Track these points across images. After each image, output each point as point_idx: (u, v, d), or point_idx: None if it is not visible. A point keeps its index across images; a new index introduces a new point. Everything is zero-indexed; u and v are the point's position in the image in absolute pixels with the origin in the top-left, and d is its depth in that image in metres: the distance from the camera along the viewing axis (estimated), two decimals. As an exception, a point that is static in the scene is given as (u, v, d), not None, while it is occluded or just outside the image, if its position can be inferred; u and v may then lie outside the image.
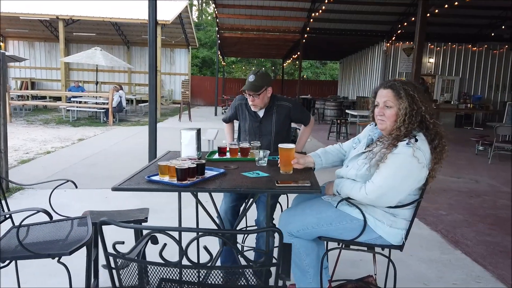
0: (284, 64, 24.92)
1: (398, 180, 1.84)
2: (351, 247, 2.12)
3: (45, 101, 15.27)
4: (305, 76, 32.60)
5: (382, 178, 1.85)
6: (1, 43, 19.74)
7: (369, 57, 17.60)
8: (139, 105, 16.17)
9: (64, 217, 2.24)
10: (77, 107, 12.77)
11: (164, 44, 18.85)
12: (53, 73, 20.86)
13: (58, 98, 16.11)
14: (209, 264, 1.04)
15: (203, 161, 1.92)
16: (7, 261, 1.83)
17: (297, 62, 20.05)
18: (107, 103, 12.04)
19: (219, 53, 17.85)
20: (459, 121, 13.98)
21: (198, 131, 2.25)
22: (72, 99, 13.69)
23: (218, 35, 16.13)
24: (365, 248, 2.07)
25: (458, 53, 16.15)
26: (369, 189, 1.87)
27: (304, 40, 15.65)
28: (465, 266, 3.14)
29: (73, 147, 8.26)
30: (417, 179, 1.88)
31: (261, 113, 2.80)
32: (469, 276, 2.97)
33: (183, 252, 1.05)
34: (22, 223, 2.18)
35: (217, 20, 14.92)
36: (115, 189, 1.71)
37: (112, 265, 1.12)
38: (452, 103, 15.42)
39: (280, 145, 2.09)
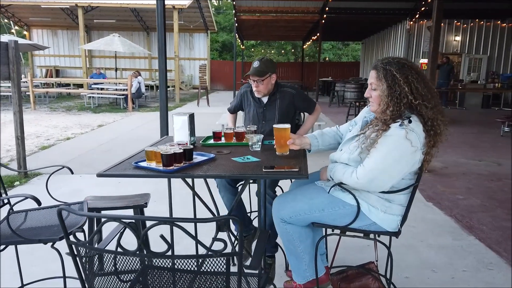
0: (304, 46, 24.46)
1: (389, 163, 1.75)
2: (347, 233, 2.06)
3: (68, 88, 15.62)
4: (326, 58, 31.99)
5: (373, 161, 1.77)
6: (26, 32, 20.22)
7: (391, 37, 17.03)
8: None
9: (62, 203, 2.26)
10: (98, 93, 13.00)
11: (182, 29, 18.82)
12: (76, 60, 21.25)
13: (82, 85, 16.47)
14: (168, 253, 1.01)
15: (191, 147, 1.89)
16: (3, 246, 1.86)
17: (317, 43, 19.64)
18: (127, 89, 12.19)
19: (237, 36, 17.69)
20: (486, 102, 13.39)
21: (191, 116, 2.22)
22: (93, 86, 13.94)
23: (235, 18, 15.95)
24: (361, 235, 2.00)
25: (486, 30, 15.39)
26: (360, 173, 1.79)
27: (323, 21, 15.25)
28: (477, 252, 3.02)
29: (92, 133, 8.43)
30: (410, 162, 1.78)
31: (265, 100, 2.82)
32: (480, 262, 2.86)
33: (140, 241, 1.03)
34: (21, 210, 2.25)
35: (234, 2, 14.72)
36: (100, 175, 1.70)
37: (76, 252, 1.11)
38: (479, 82, 14.78)
39: (275, 126, 2.05)
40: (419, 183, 1.90)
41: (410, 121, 1.76)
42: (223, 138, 2.37)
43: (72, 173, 2.32)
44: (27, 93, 12.34)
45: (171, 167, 1.76)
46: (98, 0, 14.76)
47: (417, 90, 1.78)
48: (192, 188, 2.07)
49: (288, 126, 2.06)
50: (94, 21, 19.69)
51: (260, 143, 2.18)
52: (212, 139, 2.40)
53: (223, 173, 1.74)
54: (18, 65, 4.84)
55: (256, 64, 2.66)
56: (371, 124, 1.90)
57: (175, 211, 3.33)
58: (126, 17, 19.61)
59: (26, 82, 12.07)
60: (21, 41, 13.93)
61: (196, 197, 2.11)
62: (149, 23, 20.67)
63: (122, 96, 12.57)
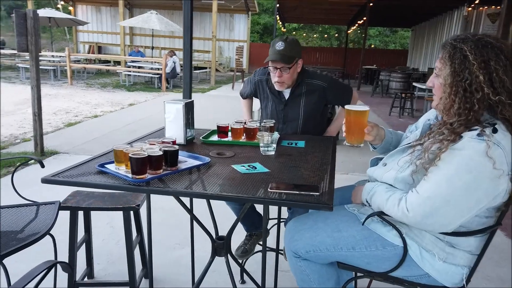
0: (349, 31, 23.18)
1: (458, 191, 1.17)
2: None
3: (107, 65, 15.62)
4: (372, 45, 30.40)
5: (432, 186, 1.19)
6: (71, 8, 20.47)
7: (446, 24, 15.59)
8: (194, 71, 15.96)
9: (30, 202, 1.86)
10: (133, 72, 12.83)
11: (222, 9, 18.26)
12: (117, 37, 21.35)
13: (120, 63, 16.43)
14: None
15: (176, 147, 1.39)
16: None
17: (363, 28, 18.47)
18: (161, 69, 11.91)
19: (278, 18, 16.90)
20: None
21: (188, 104, 1.71)
22: (130, 63, 13.80)
23: (277, -1, 15.17)
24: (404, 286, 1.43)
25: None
26: (412, 203, 1.22)
27: (371, 4, 14.15)
28: None
29: (121, 112, 8.19)
30: (490, 192, 1.19)
31: (286, 94, 2.22)
32: None
33: None
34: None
35: (277, -18, 13.95)
36: (45, 180, 1.25)
37: None
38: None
39: (348, 107, 1.51)
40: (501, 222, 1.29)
41: (494, 130, 1.16)
42: (229, 135, 1.85)
43: (43, 166, 1.89)
44: (65, 68, 12.37)
45: (141, 176, 1.27)
46: (139, -24, 14.47)
47: (501, 83, 1.18)
48: (188, 209, 1.56)
49: (367, 108, 1.52)
50: (136, -1, 19.56)
51: (274, 145, 1.65)
52: (216, 135, 1.88)
53: (210, 191, 1.22)
54: (36, 36, 4.52)
55: (279, 45, 2.04)
56: (433, 131, 1.31)
57: (164, 229, 2.87)
58: (168, -5, 19.30)
59: (65, 57, 12.08)
60: (61, 15, 14.01)
61: (189, 213, 1.61)
62: (190, 2, 20.22)
63: (157, 76, 12.32)
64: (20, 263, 2.24)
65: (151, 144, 1.41)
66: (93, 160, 1.47)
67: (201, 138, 1.83)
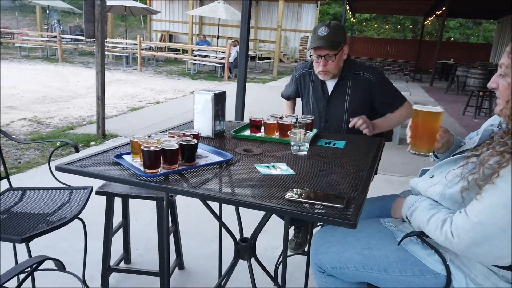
0: (426, 22, 21.62)
1: None
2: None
3: (175, 53, 16.16)
4: (452, 39, 28.14)
5: (486, 210, 0.97)
6: (146, -3, 21.45)
7: (540, 15, 13.87)
8: (258, 61, 15.94)
9: (65, 185, 1.89)
10: (198, 60, 13.12)
11: (290, -2, 17.96)
12: (187, 26, 22.01)
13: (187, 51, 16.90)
14: None
15: (194, 141, 1.29)
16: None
17: (441, 19, 17.07)
18: (225, 58, 12.03)
19: (347, 8, 16.23)
20: None
21: (219, 95, 1.61)
22: (196, 52, 14.13)
23: (348, -13, 14.55)
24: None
25: None
26: (459, 227, 1.00)
27: (452, -7, 13.01)
28: None
29: (182, 99, 8.40)
30: None
31: (330, 87, 2.02)
32: None
33: None
34: (19, 187, 1.94)
35: (348, -31, 13.34)
36: (59, 168, 1.22)
37: None
38: None
39: (417, 107, 1.26)
40: None
41: None
42: (262, 130, 1.72)
43: (77, 151, 1.91)
44: (136, 55, 13.00)
45: (154, 170, 1.19)
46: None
47: None
48: (210, 207, 1.46)
49: (441, 109, 1.26)
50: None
51: (307, 144, 1.49)
52: (248, 130, 1.76)
53: (221, 193, 1.10)
54: (103, 23, 4.72)
55: (323, 31, 1.86)
56: (494, 140, 1.07)
57: (190, 226, 2.83)
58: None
59: (136, 44, 12.69)
60: (137, 4, 14.71)
61: (211, 212, 1.51)
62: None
63: (220, 65, 12.47)
64: (49, 247, 2.35)
65: (170, 137, 1.33)
66: (113, 150, 1.43)
67: (231, 131, 1.72)
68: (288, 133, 1.53)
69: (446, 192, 1.10)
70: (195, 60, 13.14)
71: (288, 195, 1.08)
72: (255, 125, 1.71)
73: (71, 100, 7.47)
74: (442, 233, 1.04)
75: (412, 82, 15.06)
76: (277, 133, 1.69)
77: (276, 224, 2.05)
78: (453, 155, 1.22)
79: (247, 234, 1.66)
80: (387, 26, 29.97)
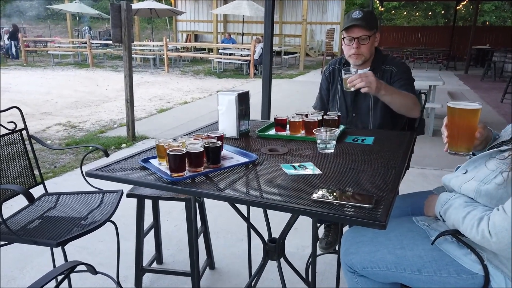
0: (458, 7, 20.74)
1: None
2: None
3: (200, 53, 16.33)
4: (487, 22, 26.86)
5: None
6: (171, -1, 21.76)
7: None
8: (284, 56, 15.84)
9: (96, 189, 1.94)
10: (223, 59, 13.19)
11: (315, -9, 17.71)
12: (212, 25, 22.17)
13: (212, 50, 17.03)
14: None
15: (218, 144, 1.28)
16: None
17: (475, 3, 16.31)
18: (250, 55, 12.03)
19: (374, -3, 15.79)
20: None
21: (243, 95, 1.60)
22: (221, 51, 14.21)
23: (374, -24, 14.16)
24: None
25: None
26: (497, 225, 0.95)
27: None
28: None
29: (209, 98, 8.47)
30: None
31: None
32: None
33: None
34: (55, 192, 2.01)
35: (373, -43, 12.98)
36: (89, 174, 1.25)
37: None
38: None
39: (452, 104, 1.21)
40: None
41: None
42: (287, 128, 1.69)
43: (107, 155, 1.95)
44: (163, 56, 13.22)
45: (180, 174, 1.20)
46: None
47: None
48: (238, 209, 1.46)
49: (479, 106, 1.19)
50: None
51: (334, 141, 1.45)
52: (274, 129, 1.74)
53: (247, 196, 1.09)
54: (129, 27, 4.82)
55: (357, 14, 1.87)
56: None
57: (219, 226, 2.84)
58: (261, -19, 19.34)
59: (163, 46, 12.90)
60: (161, 6, 14.94)
61: (239, 214, 1.51)
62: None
63: (246, 62, 12.49)
64: (86, 249, 2.41)
65: (195, 139, 1.33)
66: (140, 154, 1.45)
67: (256, 131, 1.71)
68: (313, 131, 1.50)
69: (481, 189, 1.05)
70: (221, 58, 13.22)
71: (315, 195, 1.06)
72: (280, 123, 1.69)
73: (102, 104, 7.70)
74: (478, 232, 0.99)
75: (445, 71, 14.51)
76: (303, 131, 1.66)
77: (306, 222, 2.01)
78: (488, 149, 1.15)
79: (276, 233, 1.65)
80: (417, 13, 28.94)
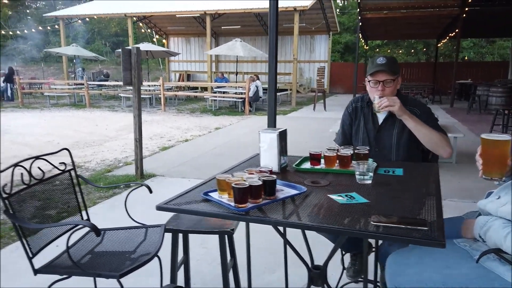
0: (439, 45, 21.84)
1: None
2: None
3: (195, 92, 16.71)
4: (466, 58, 28.18)
5: None
6: (164, 40, 22.45)
7: (556, 30, 13.91)
8: (276, 94, 16.27)
9: (140, 224, 2.03)
10: (219, 97, 13.52)
11: (303, 31, 18.54)
12: (204, 65, 22.79)
13: (207, 89, 17.45)
14: None
15: (274, 177, 1.42)
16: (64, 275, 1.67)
17: (454, 41, 17.25)
18: (245, 93, 12.38)
19: (360, 36, 16.61)
20: None
21: (282, 133, 1.76)
22: (215, 89, 14.59)
23: (359, 17, 14.95)
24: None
25: None
26: None
27: (464, 15, 13.24)
28: None
29: (209, 135, 8.64)
30: None
31: (381, 119, 2.18)
32: None
33: None
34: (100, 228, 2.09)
35: (359, 0, 13.79)
36: (159, 208, 1.36)
37: None
38: None
39: (485, 135, 1.41)
40: None
41: None
42: (322, 162, 1.85)
43: (151, 192, 2.06)
44: (159, 95, 13.50)
45: (243, 205, 1.33)
46: (224, 7, 15.41)
47: None
48: (284, 236, 1.58)
49: (509, 137, 1.38)
50: (222, 27, 20.77)
51: (371, 173, 1.60)
52: (308, 162, 1.89)
53: (307, 221, 1.22)
54: (139, 70, 5.03)
55: (381, 60, 2.08)
56: None
57: (257, 256, 2.91)
58: (251, 22, 20.18)
59: (159, 85, 13.21)
60: (157, 48, 15.41)
61: (285, 240, 1.63)
62: (271, 27, 20.86)
63: (241, 100, 12.83)
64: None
65: (250, 174, 1.47)
66: (197, 188, 1.58)
67: (293, 165, 1.86)
68: (352, 163, 1.65)
69: (518, 211, 1.20)
70: (216, 97, 13.55)
71: (374, 220, 1.19)
72: (315, 158, 1.84)
73: (104, 143, 7.78)
74: (521, 250, 1.13)
75: (432, 104, 15.06)
76: (337, 165, 1.81)
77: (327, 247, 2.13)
78: None
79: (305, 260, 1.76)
80: (400, 51, 30.31)
